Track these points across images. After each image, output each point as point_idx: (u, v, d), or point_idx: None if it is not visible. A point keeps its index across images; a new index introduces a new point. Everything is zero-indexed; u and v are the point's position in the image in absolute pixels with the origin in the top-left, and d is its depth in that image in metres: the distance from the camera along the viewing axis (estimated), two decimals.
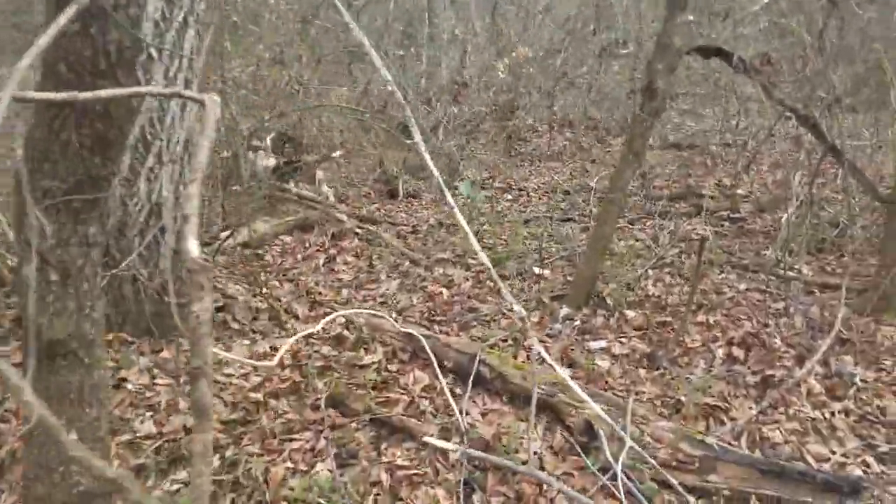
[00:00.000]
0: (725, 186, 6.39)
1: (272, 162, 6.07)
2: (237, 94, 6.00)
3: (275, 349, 2.99)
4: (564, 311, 3.52)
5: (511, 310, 3.71)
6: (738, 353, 2.96)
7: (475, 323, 3.44)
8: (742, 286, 3.83)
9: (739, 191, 6.20)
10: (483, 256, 1.41)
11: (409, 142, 1.49)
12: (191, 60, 2.90)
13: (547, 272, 4.23)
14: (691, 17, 3.19)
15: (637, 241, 4.89)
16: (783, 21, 5.51)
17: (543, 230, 5.23)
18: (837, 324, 3.09)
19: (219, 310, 3.33)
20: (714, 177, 7.03)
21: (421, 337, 2.39)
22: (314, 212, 5.15)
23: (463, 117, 6.88)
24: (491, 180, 7.18)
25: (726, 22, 5.50)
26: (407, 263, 4.39)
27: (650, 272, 4.18)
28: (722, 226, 5.26)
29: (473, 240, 1.39)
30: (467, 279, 4.07)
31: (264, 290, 3.57)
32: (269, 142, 6.16)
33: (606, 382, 2.72)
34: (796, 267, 4.10)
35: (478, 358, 2.55)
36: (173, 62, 2.81)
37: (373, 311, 2.40)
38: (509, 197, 6.60)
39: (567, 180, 7.32)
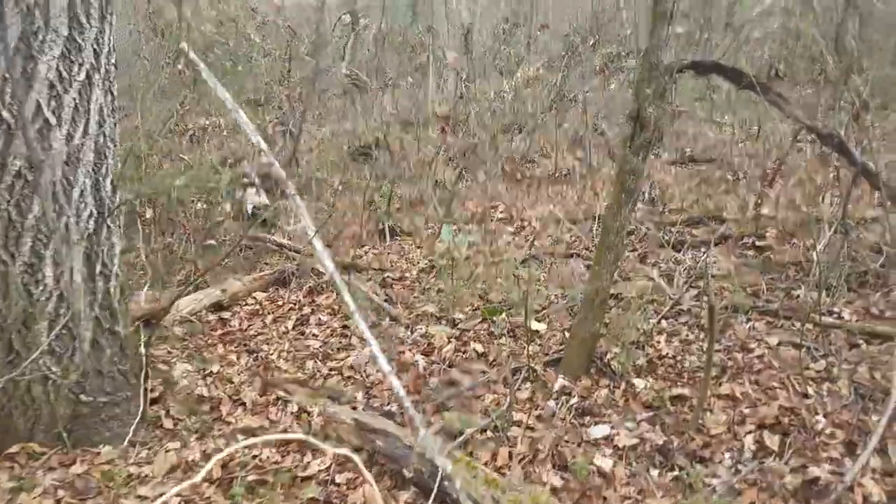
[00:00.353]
0: (748, 206, 5.79)
1: (264, 199, 5.68)
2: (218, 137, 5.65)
3: (207, 456, 2.52)
4: (560, 382, 2.99)
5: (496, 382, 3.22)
6: (771, 440, 2.39)
7: (452, 402, 2.93)
8: (773, 340, 3.25)
9: (764, 210, 5.59)
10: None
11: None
12: (101, 123, 2.49)
13: (543, 326, 3.70)
14: (681, 29, 2.67)
15: (649, 279, 4.33)
16: (794, 22, 4.95)
17: (543, 270, 4.71)
18: (895, 392, 2.50)
19: (153, 402, 2.88)
20: (736, 195, 6.42)
21: (381, 432, 1.92)
22: (294, 262, 4.70)
23: (455, 147, 6.41)
24: (492, 211, 6.68)
25: (727, 30, 4.94)
26: (387, 320, 3.91)
27: (664, 323, 3.63)
28: (745, 256, 4.67)
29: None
30: (451, 340, 3.57)
31: (214, 368, 3.12)
32: (257, 178, 5.78)
33: (605, 500, 2.18)
34: (836, 311, 3.50)
35: (440, 475, 2.04)
36: (77, 126, 2.39)
37: (291, 435, 1.91)
38: (510, 230, 6.09)
39: (574, 206, 6.78)
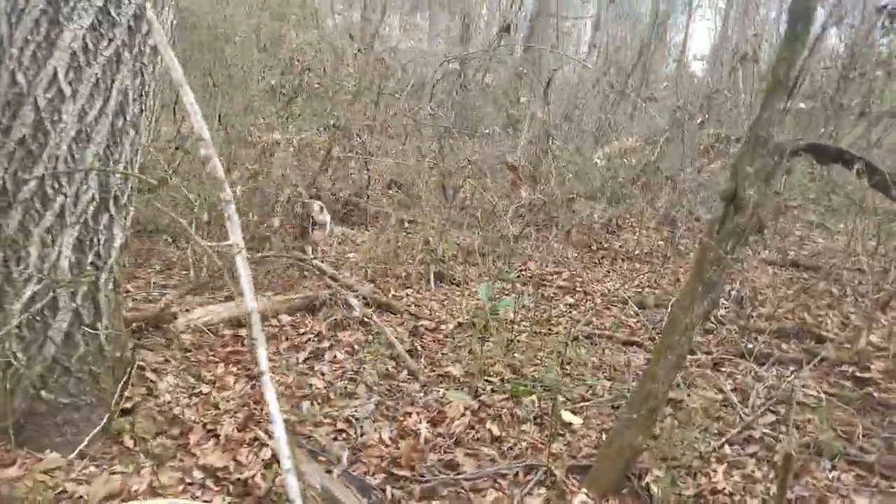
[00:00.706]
0: (854, 329, 4.98)
1: (326, 218, 5.51)
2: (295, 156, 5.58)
3: (154, 491, 2.19)
4: (581, 498, 2.45)
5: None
6: None
7: (445, 492, 2.45)
8: (862, 501, 2.57)
9: (873, 338, 4.77)
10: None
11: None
12: (123, 104, 2.31)
13: (578, 420, 3.17)
14: (803, 105, 2.19)
15: (719, 392, 3.68)
16: None
17: (595, 354, 4.17)
18: None
19: (125, 413, 2.60)
20: (840, 313, 5.60)
21: None
22: (328, 290, 4.43)
23: (528, 202, 6.02)
24: (554, 276, 6.19)
25: (859, 121, 4.30)
26: (404, 373, 3.50)
27: (727, 448, 3.00)
28: (842, 387, 3.92)
29: None
30: (467, 412, 3.10)
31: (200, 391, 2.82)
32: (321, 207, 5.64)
33: None
34: None
35: None
36: (93, 103, 2.22)
37: None
38: (570, 300, 5.57)
39: (648, 290, 6.17)
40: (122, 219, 2.45)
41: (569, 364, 3.90)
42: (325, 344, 3.74)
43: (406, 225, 6.89)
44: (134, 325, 3.15)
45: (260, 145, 5.09)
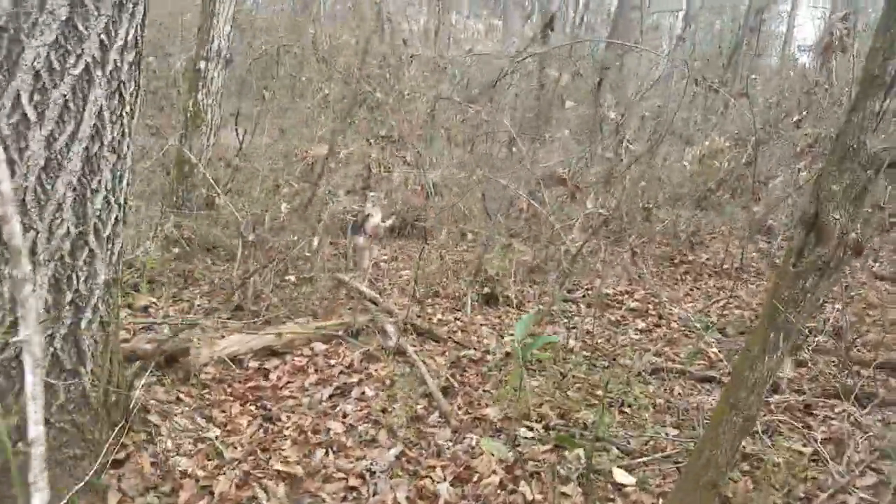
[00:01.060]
0: None
1: (379, 219, 5.26)
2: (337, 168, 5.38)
3: None
4: None
5: None
6: None
7: None
8: None
9: None
10: None
11: None
12: (99, 128, 2.10)
13: (632, 481, 2.67)
14: None
15: (805, 445, 3.04)
16: None
17: (664, 392, 3.62)
18: None
19: (116, 464, 2.39)
20: None
21: None
22: (366, 315, 4.14)
23: (596, 214, 5.47)
24: (625, 297, 5.61)
25: None
26: (435, 415, 3.13)
27: None
28: None
29: None
30: (501, 467, 2.68)
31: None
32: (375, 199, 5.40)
33: None
34: None
35: None
36: (63, 127, 2.02)
37: None
38: (641, 325, 4.98)
39: (737, 313, 5.45)
40: (105, 252, 2.24)
41: (630, 406, 3.38)
42: (355, 378, 3.43)
43: (466, 239, 6.55)
44: (145, 360, 2.98)
45: (307, 160, 4.90)
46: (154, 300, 4.49)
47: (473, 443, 2.89)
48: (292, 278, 4.27)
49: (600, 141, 6.19)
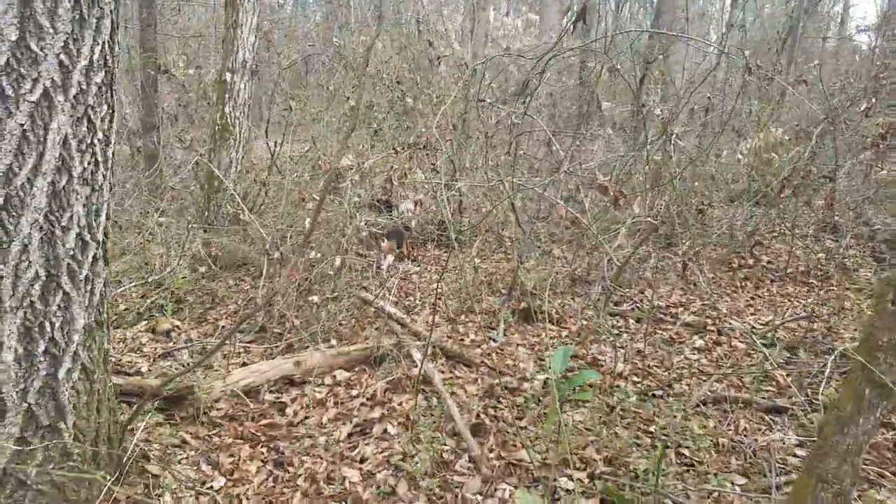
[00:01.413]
0: None
1: (410, 206, 4.99)
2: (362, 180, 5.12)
3: None
4: None
5: None
6: None
7: None
8: None
9: None
10: None
11: None
12: (66, 158, 1.86)
13: None
14: None
15: None
16: None
17: (727, 429, 3.19)
18: None
19: None
20: None
21: None
22: (392, 339, 3.85)
23: (644, 217, 5.01)
24: (679, 310, 5.14)
25: None
26: (464, 459, 2.81)
27: None
28: None
29: None
30: None
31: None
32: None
33: None
34: None
35: None
36: (23, 160, 1.79)
37: None
38: (699, 343, 4.53)
39: (806, 326, 4.90)
40: (83, 295, 2.01)
41: (688, 448, 2.98)
42: (377, 413, 3.14)
43: (503, 246, 6.19)
44: (153, 398, 2.76)
45: (329, 172, 4.65)
46: (178, 323, 4.33)
47: (507, 495, 2.55)
48: (315, 298, 4.02)
49: (646, 138, 5.72)
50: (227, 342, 3.58)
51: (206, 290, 4.80)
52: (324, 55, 6.56)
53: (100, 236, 2.01)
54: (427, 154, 5.45)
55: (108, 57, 1.88)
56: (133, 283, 4.81)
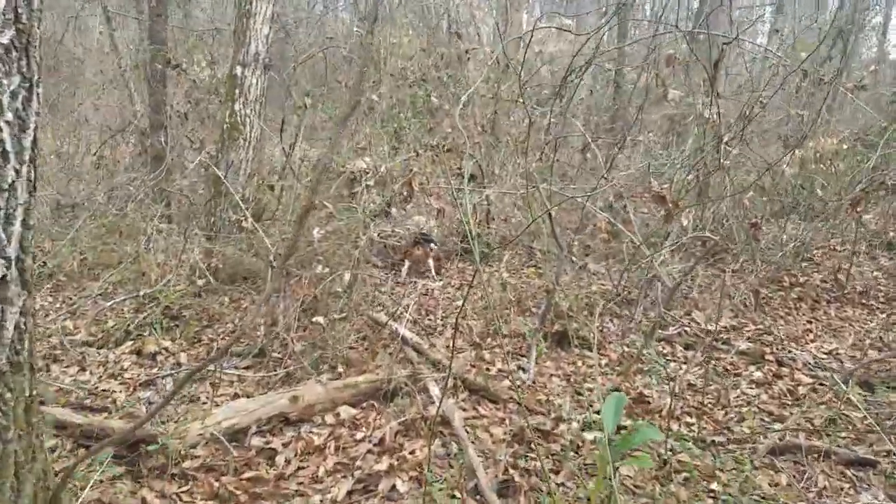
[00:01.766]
0: None
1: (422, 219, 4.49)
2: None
3: None
4: None
5: None
6: None
7: None
8: None
9: None
10: None
11: None
12: None
13: None
14: None
15: None
16: None
17: (795, 479, 2.63)
18: None
19: None
20: None
21: None
22: (406, 369, 3.33)
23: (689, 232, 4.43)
24: (733, 334, 4.54)
25: None
26: None
27: None
28: None
29: None
30: None
31: None
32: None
33: None
34: None
35: None
36: None
37: None
38: (756, 375, 3.93)
39: (874, 357, 4.26)
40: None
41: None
42: (384, 463, 2.62)
43: (535, 258, 5.66)
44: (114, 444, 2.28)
45: (343, 176, 4.17)
46: (167, 344, 3.87)
47: None
48: (321, 319, 3.53)
49: (701, 144, 5.14)
50: (204, 373, 3.11)
51: (203, 306, 4.35)
52: (344, 48, 6.11)
53: (12, 252, 1.53)
54: (452, 157, 4.95)
55: (20, 10, 1.41)
56: (124, 298, 4.37)
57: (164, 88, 6.46)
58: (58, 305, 4.71)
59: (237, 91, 5.76)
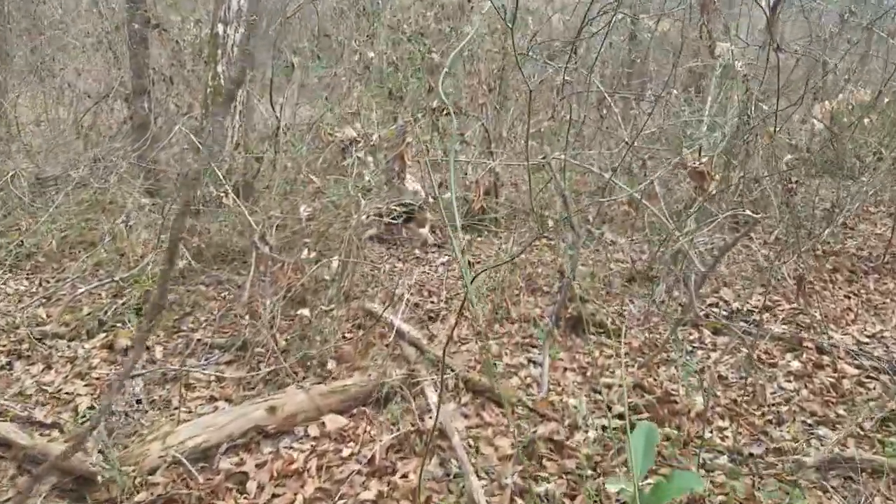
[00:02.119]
0: None
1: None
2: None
3: None
4: None
5: None
6: None
7: None
8: None
9: None
10: None
11: None
12: None
13: None
14: None
15: None
16: None
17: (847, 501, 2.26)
18: None
19: None
20: None
21: None
22: (402, 368, 2.97)
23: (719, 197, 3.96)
24: (764, 315, 4.12)
25: None
26: None
27: None
28: None
29: None
30: None
31: None
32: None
33: None
34: None
35: None
36: None
37: None
38: (794, 365, 3.52)
39: None
40: None
41: None
42: (373, 490, 2.27)
43: (547, 229, 5.22)
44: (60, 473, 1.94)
45: (331, 146, 3.73)
46: None
47: None
48: (306, 311, 3.15)
49: (747, 104, 4.59)
50: (179, 373, 2.75)
51: (180, 292, 3.99)
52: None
53: None
54: (454, 121, 4.47)
55: None
56: (99, 283, 4.02)
57: (147, 50, 5.97)
58: (34, 290, 4.38)
59: (220, 51, 5.28)
